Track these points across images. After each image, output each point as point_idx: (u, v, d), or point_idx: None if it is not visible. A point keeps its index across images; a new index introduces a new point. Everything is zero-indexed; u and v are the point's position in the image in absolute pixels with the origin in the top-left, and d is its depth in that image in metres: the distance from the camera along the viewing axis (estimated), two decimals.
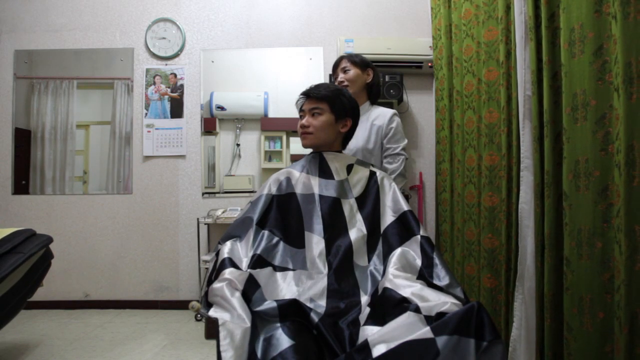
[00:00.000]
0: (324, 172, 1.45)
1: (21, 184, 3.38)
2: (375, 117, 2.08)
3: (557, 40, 1.65)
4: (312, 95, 1.49)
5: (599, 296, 1.43)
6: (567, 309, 1.52)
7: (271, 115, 3.35)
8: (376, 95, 2.18)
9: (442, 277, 1.19)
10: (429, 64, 3.07)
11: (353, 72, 2.06)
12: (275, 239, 1.34)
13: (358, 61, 2.09)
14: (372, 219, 1.37)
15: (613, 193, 1.37)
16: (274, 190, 1.44)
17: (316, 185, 1.41)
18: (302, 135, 1.50)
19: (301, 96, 1.54)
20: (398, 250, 1.27)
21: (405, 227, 1.32)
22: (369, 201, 1.40)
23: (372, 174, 1.47)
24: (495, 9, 2.14)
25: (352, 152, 2.02)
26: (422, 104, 3.27)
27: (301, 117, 1.52)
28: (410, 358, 0.90)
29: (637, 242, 1.25)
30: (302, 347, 1.01)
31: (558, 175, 1.63)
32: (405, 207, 1.36)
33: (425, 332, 0.93)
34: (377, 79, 2.15)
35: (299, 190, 1.42)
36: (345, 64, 2.09)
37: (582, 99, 1.47)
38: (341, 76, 2.08)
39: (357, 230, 1.34)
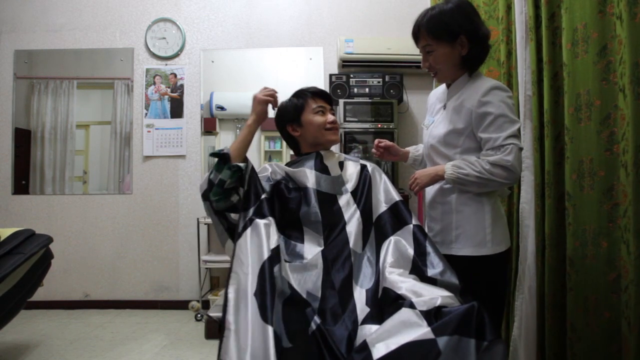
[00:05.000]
0: (321, 168, 1.45)
1: (21, 184, 3.38)
2: (466, 97, 1.36)
3: (557, 40, 1.65)
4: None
5: (604, 296, 1.43)
6: (571, 310, 1.52)
7: (271, 115, 3.32)
8: (476, 63, 1.40)
9: (435, 264, 1.20)
10: None
11: (440, 52, 1.35)
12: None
13: (442, 32, 1.32)
14: (365, 210, 1.38)
15: (619, 193, 1.37)
16: (272, 178, 1.42)
17: (314, 179, 1.41)
18: (333, 131, 1.48)
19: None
20: (391, 240, 1.28)
21: (397, 216, 1.33)
22: (362, 194, 1.41)
23: (363, 167, 1.47)
24: (495, 9, 2.14)
25: (429, 144, 1.46)
26: (422, 104, 3.27)
27: (322, 112, 1.48)
28: (412, 359, 0.91)
29: None
30: (302, 349, 1.01)
31: (558, 175, 1.63)
32: (396, 197, 1.38)
33: (426, 332, 0.93)
34: (477, 46, 1.35)
35: (296, 184, 1.42)
36: (425, 40, 1.36)
37: (586, 99, 1.47)
38: (425, 60, 1.40)
39: (352, 224, 1.34)
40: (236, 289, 1.05)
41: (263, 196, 1.23)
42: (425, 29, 1.34)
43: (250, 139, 1.34)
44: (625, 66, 1.30)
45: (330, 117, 1.48)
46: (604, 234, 1.42)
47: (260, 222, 1.17)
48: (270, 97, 1.41)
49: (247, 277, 1.06)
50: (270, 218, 1.19)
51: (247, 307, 1.00)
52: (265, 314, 0.98)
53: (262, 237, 1.14)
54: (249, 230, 1.15)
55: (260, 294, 1.02)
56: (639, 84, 1.27)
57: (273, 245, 1.13)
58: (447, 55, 1.35)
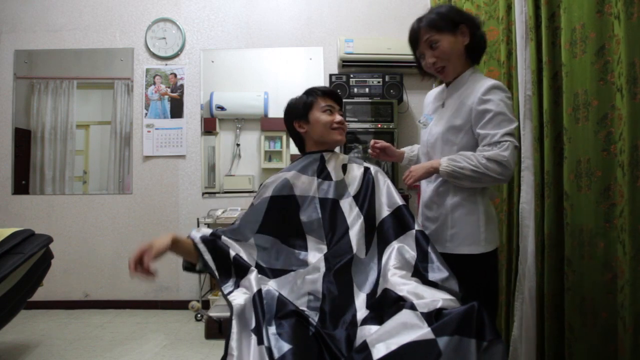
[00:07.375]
0: (323, 173, 1.45)
1: (21, 184, 3.38)
2: (467, 95, 1.38)
3: (557, 41, 1.65)
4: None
5: (601, 296, 1.43)
6: (569, 310, 1.52)
7: (271, 115, 3.35)
8: (478, 53, 1.43)
9: (437, 270, 1.20)
10: None
11: (445, 42, 1.35)
12: (275, 243, 1.35)
13: (443, 23, 1.35)
14: (369, 214, 1.38)
15: (615, 193, 1.37)
16: (274, 193, 1.43)
17: (315, 187, 1.41)
18: (339, 130, 1.48)
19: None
20: (394, 246, 1.28)
21: (400, 221, 1.33)
22: (365, 197, 1.41)
23: (366, 170, 1.47)
24: (496, 9, 2.14)
25: (428, 142, 1.47)
26: (422, 104, 3.26)
27: (329, 111, 1.48)
28: (412, 359, 0.91)
29: None
30: (302, 349, 1.01)
31: (558, 175, 1.63)
32: (399, 201, 1.37)
33: (426, 333, 0.94)
34: (478, 35, 1.39)
35: (298, 192, 1.42)
36: (427, 34, 1.36)
37: (583, 99, 1.47)
38: (430, 56, 1.38)
39: (355, 229, 1.34)
40: (239, 317, 1.08)
41: (232, 254, 1.26)
42: (426, 25, 1.37)
43: (184, 250, 1.29)
44: (623, 66, 1.30)
45: (337, 117, 1.48)
46: (601, 234, 1.43)
47: (247, 277, 1.21)
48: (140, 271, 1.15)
49: (244, 311, 1.10)
50: (254, 269, 1.23)
51: (248, 341, 1.03)
52: (261, 340, 1.02)
53: (252, 286, 1.17)
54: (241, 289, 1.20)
55: (257, 329, 1.05)
56: (635, 84, 1.27)
57: (256, 289, 1.15)
58: (452, 44, 1.36)
